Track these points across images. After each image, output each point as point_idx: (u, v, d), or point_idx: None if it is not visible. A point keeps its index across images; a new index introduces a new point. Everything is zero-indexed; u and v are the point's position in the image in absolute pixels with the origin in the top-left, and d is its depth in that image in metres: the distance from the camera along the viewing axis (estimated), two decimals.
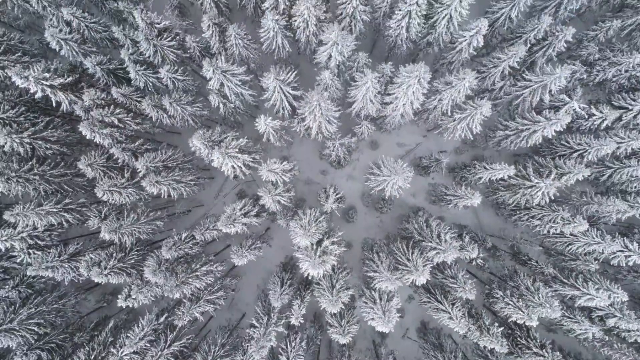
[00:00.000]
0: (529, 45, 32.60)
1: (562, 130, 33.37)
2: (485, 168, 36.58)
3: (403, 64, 41.68)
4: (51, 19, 33.61)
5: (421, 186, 47.95)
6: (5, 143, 30.58)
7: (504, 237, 45.34)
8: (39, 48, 37.62)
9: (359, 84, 31.53)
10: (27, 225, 32.77)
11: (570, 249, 38.27)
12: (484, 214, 47.62)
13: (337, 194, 39.11)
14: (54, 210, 33.21)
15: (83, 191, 38.04)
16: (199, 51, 33.34)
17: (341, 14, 32.46)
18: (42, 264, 32.36)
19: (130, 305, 32.69)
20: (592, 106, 35.88)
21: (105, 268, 31.69)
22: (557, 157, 36.71)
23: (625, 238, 36.82)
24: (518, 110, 36.97)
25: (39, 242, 34.67)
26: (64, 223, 35.18)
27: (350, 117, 39.68)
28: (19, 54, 34.38)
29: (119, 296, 33.02)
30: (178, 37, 33.27)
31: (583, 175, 32.90)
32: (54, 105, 32.25)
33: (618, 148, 34.70)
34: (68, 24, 32.15)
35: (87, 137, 30.48)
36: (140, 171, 31.22)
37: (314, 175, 48.30)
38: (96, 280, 31.66)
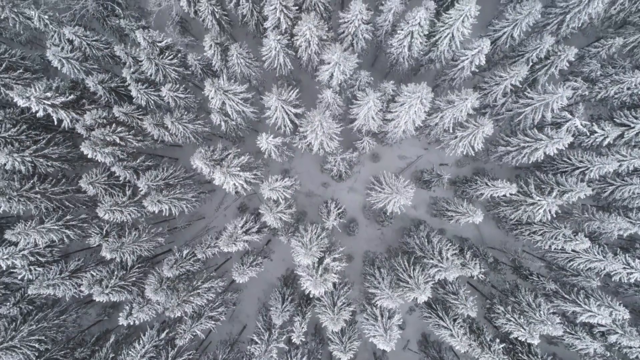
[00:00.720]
0: (530, 63, 32.53)
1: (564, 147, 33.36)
2: (487, 184, 36.56)
3: (404, 79, 41.99)
4: (52, 36, 33.53)
5: (422, 198, 47.89)
6: (7, 162, 30.52)
7: (505, 250, 45.29)
8: (40, 64, 37.56)
9: (361, 103, 31.49)
10: (28, 243, 32.72)
11: (572, 264, 38.24)
12: (485, 226, 47.55)
13: (338, 209, 39.10)
14: (55, 227, 33.18)
15: (84, 207, 38.00)
16: (201, 69, 33.30)
17: (343, 32, 32.41)
18: (43, 283, 32.34)
19: (132, 323, 32.65)
20: (594, 123, 35.84)
21: (107, 287, 31.66)
22: (558, 174, 36.68)
23: (627, 254, 36.78)
24: (520, 127, 36.93)
25: (40, 258, 34.66)
26: (65, 239, 35.16)
27: (351, 132, 39.64)
28: (21, 70, 34.33)
29: (120, 314, 32.98)
30: (180, 55, 33.23)
31: (585, 194, 32.87)
32: (56, 123, 32.22)
33: (620, 166, 34.63)
34: (70, 41, 32.09)
35: (89, 157, 30.41)
36: (142, 190, 31.18)
37: (315, 187, 48.26)
38: (97, 300, 31.62)
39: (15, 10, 33.21)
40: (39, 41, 41.01)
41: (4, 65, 33.33)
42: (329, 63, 30.10)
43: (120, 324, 32.56)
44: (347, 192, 48.37)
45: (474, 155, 37.77)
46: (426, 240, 38.04)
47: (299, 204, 47.14)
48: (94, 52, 32.96)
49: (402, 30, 30.44)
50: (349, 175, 44.57)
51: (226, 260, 45.77)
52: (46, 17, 32.01)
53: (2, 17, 33.45)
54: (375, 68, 44.96)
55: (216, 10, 32.78)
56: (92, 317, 44.23)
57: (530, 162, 36.51)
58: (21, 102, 28.61)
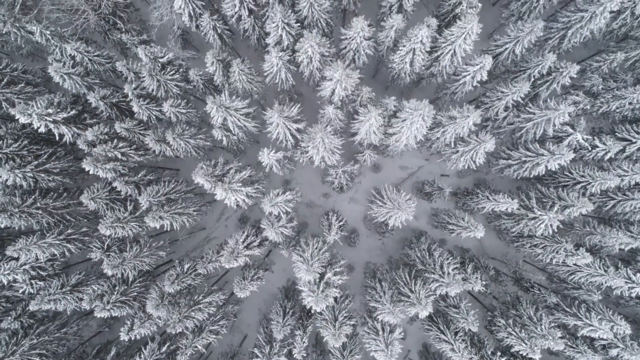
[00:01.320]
0: (532, 79, 32.51)
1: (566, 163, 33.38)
2: (488, 198, 36.56)
3: (406, 91, 42.02)
4: (54, 50, 33.53)
5: (423, 209, 47.84)
6: (8, 178, 30.51)
7: (506, 262, 45.29)
8: (42, 76, 37.54)
9: (363, 120, 31.47)
10: (29, 258, 32.70)
11: (573, 278, 38.23)
12: (487, 237, 47.20)
13: (339, 222, 39.09)
14: (56, 242, 33.17)
15: (85, 219, 38.00)
16: (203, 84, 33.29)
17: (345, 47, 32.39)
18: (44, 298, 32.33)
19: (133, 338, 32.64)
20: (595, 137, 35.81)
21: (108, 302, 31.65)
22: (560, 188, 36.66)
23: (628, 267, 36.77)
24: (521, 140, 36.92)
25: (42, 272, 34.67)
26: (67, 253, 35.14)
27: (353, 144, 39.63)
28: (22, 84, 34.33)
29: (122, 329, 32.97)
30: (182, 69, 33.22)
31: (587, 210, 32.86)
32: (57, 138, 32.20)
33: (622, 180, 34.62)
34: (72, 57, 32.07)
35: (90, 173, 30.42)
36: (143, 206, 31.18)
37: (316, 197, 48.25)
38: (99, 316, 31.62)
39: (17, 25, 33.18)
40: (40, 53, 41.01)
41: (5, 79, 33.32)
42: (330, 79, 30.10)
43: (122, 339, 32.51)
44: (348, 203, 48.36)
45: (475, 168, 37.80)
46: (427, 253, 38.01)
47: (299, 215, 47.13)
48: (96, 67, 32.94)
49: (404, 46, 30.43)
50: (350, 187, 44.56)
51: (227, 272, 45.75)
52: (48, 32, 31.99)
53: (3, 32, 33.37)
54: (376, 80, 44.97)
55: (218, 25, 32.77)
56: (93, 329, 44.23)
57: (531, 175, 36.49)
58: (23, 119, 28.57)
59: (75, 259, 41.23)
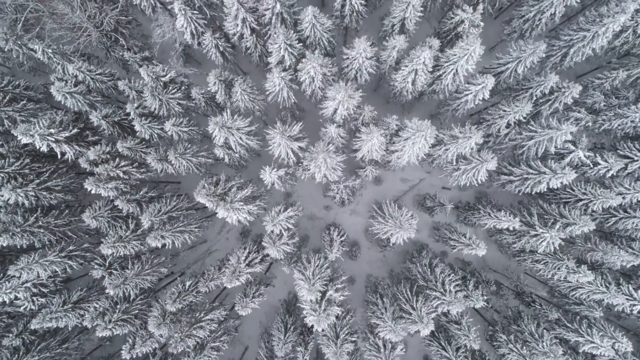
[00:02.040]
0: (534, 98, 32.50)
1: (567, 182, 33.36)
2: (489, 215, 36.54)
3: (408, 106, 41.96)
4: (56, 67, 33.54)
5: (424, 221, 47.80)
6: (10, 197, 30.50)
7: (507, 275, 45.25)
8: (43, 92, 37.53)
9: (364, 139, 31.46)
10: (30, 276, 32.69)
11: (575, 294, 38.21)
12: (488, 250, 47.01)
13: (341, 237, 39.08)
14: (58, 259, 33.16)
15: (87, 235, 37.98)
16: (205, 102, 33.28)
17: (347, 66, 32.38)
18: (46, 317, 32.31)
19: (134, 357, 32.65)
20: (597, 154, 35.78)
21: (110, 321, 31.65)
22: (562, 205, 36.64)
23: (629, 285, 36.75)
24: (523, 157, 36.89)
25: (43, 289, 34.66)
26: (68, 269, 35.12)
27: (354, 160, 39.62)
28: (24, 101, 34.31)
29: (123, 347, 32.96)
30: (183, 87, 33.21)
31: (589, 229, 32.87)
32: (59, 156, 32.21)
33: (623, 198, 34.60)
34: (74, 75, 32.05)
35: (92, 193, 30.43)
36: (145, 225, 31.17)
37: (317, 210, 48.20)
38: (100, 335, 31.62)
39: (19, 43, 33.18)
40: (42, 67, 40.97)
41: (7, 97, 33.31)
42: (333, 99, 30.09)
43: (124, 358, 32.48)
44: (349, 215, 48.31)
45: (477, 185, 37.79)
46: (429, 269, 37.98)
47: (301, 227, 47.09)
48: (98, 85, 32.92)
49: (406, 66, 30.42)
50: (352, 201, 44.55)
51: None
52: (50, 50, 31.98)
53: (5, 49, 33.35)
54: (377, 93, 44.93)
55: (220, 43, 32.75)
56: (94, 342, 44.19)
57: (533, 192, 36.47)
58: (25, 140, 28.57)
59: (76, 273, 41.18)
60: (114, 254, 31.98)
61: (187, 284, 34.36)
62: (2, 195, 30.25)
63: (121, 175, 31.61)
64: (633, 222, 35.56)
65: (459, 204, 45.47)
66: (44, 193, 32.67)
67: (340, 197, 40.69)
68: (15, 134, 28.11)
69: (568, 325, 38.58)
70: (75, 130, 31.90)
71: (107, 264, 33.68)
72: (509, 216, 34.00)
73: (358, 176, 40.60)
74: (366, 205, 47.80)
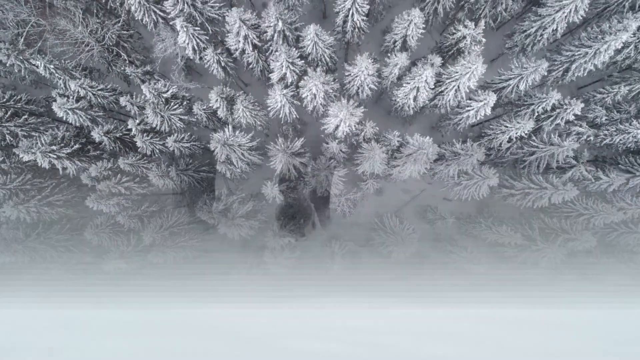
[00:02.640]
0: (536, 114, 32.49)
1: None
2: (490, 229, 36.55)
3: (408, 119, 41.95)
4: (57, 82, 33.57)
5: (425, 231, 47.76)
6: (12, 214, 30.51)
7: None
8: (45, 105, 37.51)
9: (366, 156, 31.47)
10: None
11: None
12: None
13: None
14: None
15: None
16: (206, 117, 33.29)
17: (349, 82, 32.38)
18: None
19: None
20: (599, 169, 35.80)
21: None
22: (563, 219, 36.65)
23: None
24: (524, 171, 36.91)
25: None
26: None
27: (355, 173, 39.62)
28: (26, 116, 34.31)
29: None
30: (185, 102, 33.22)
31: (590, 245, 32.86)
32: (61, 172, 32.22)
33: (624, 214, 34.60)
34: (76, 91, 32.06)
35: (94, 209, 30.43)
36: (147, 242, 31.19)
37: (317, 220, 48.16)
38: None
39: (21, 58, 33.20)
40: (44, 80, 40.91)
41: (9, 112, 33.31)
42: (335, 117, 30.09)
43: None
44: (350, 226, 48.27)
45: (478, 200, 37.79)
46: None
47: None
48: (99, 100, 32.93)
49: (407, 84, 30.42)
50: (352, 213, 44.50)
51: None
52: (51, 66, 32.00)
53: (7, 64, 33.38)
54: (378, 105, 44.88)
55: (222, 59, 32.76)
56: None
57: (534, 206, 36.47)
58: (27, 158, 28.59)
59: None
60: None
61: None
62: (5, 212, 30.26)
63: (123, 191, 31.61)
64: (635, 237, 35.55)
65: (460, 215, 45.43)
66: (46, 209, 32.67)
67: (342, 210, 40.64)
68: (17, 152, 28.09)
69: None
70: (77, 145, 31.92)
71: None
72: (510, 232, 33.98)
73: (359, 189, 40.58)
74: (366, 216, 47.78)
